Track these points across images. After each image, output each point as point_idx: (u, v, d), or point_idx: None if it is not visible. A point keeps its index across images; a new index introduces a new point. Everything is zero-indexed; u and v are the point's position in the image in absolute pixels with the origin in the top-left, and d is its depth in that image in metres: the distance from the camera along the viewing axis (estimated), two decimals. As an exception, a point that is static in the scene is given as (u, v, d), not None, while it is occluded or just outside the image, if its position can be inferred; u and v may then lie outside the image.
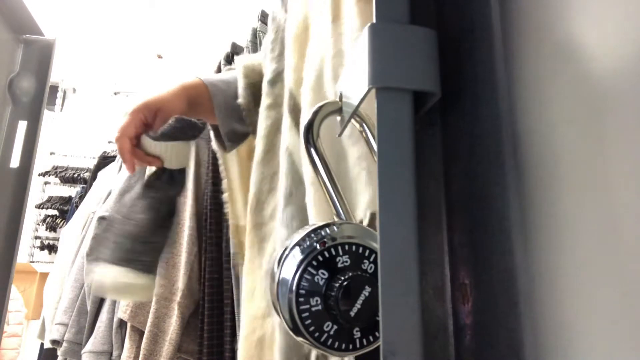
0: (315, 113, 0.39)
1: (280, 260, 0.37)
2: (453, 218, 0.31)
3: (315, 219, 0.51)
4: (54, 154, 4.04)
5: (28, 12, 1.08)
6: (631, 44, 0.21)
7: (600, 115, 0.22)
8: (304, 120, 0.54)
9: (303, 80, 0.60)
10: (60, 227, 3.69)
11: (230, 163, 0.95)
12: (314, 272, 0.34)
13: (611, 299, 0.21)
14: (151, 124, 0.71)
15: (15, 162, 1.06)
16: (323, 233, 0.36)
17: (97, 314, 1.65)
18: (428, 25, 0.30)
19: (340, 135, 0.40)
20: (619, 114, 0.21)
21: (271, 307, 0.60)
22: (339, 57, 0.54)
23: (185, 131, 0.70)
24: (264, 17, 1.35)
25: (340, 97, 0.38)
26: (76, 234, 1.97)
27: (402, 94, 0.28)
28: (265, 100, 0.71)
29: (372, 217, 0.43)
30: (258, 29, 1.35)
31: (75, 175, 3.87)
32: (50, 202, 3.94)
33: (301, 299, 0.34)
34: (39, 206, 3.91)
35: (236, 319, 1.12)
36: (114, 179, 1.94)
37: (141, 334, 1.37)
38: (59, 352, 1.73)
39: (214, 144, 0.85)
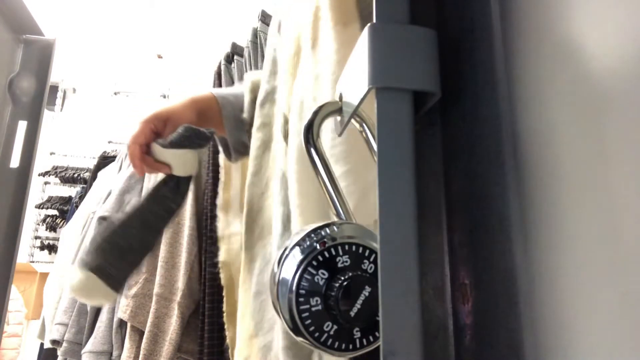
0: (315, 113, 0.39)
1: (280, 260, 0.37)
2: (453, 218, 0.31)
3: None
4: (54, 154, 4.04)
5: (28, 12, 1.08)
6: (631, 44, 0.21)
7: (600, 115, 0.22)
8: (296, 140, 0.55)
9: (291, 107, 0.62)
10: (60, 227, 3.69)
11: (234, 174, 0.97)
12: (314, 272, 0.34)
13: (611, 299, 0.21)
14: (161, 132, 0.74)
15: (15, 162, 1.06)
16: (323, 233, 0.36)
17: (97, 314, 1.65)
18: (428, 25, 0.30)
19: (340, 135, 0.40)
20: (619, 114, 0.21)
21: (258, 327, 0.62)
22: (317, 84, 0.55)
23: (193, 140, 0.72)
24: (264, 17, 1.35)
25: (340, 97, 0.38)
26: (76, 234, 1.97)
27: (402, 94, 0.28)
28: (256, 121, 0.73)
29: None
30: (258, 29, 1.35)
31: (75, 175, 3.87)
32: (50, 202, 3.94)
33: (301, 299, 0.34)
34: (39, 206, 3.91)
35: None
36: (114, 179, 1.94)
37: (141, 334, 1.37)
38: (59, 352, 1.73)
39: (222, 154, 0.87)
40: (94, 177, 2.37)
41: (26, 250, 3.92)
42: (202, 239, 1.36)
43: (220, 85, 1.47)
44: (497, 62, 0.28)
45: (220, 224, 0.90)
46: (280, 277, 0.36)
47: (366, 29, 0.29)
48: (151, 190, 0.73)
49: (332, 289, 0.34)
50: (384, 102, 0.28)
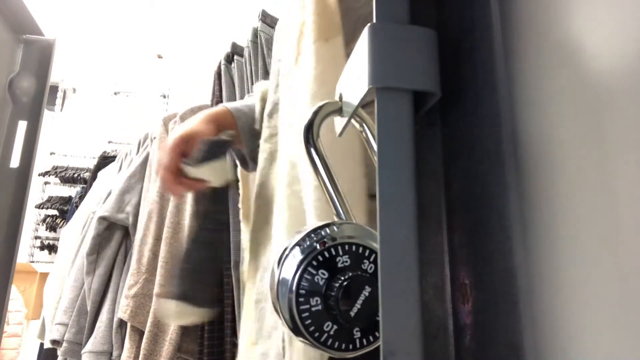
0: (315, 113, 0.39)
1: (280, 260, 0.37)
2: (453, 218, 0.31)
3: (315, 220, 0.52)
4: (54, 154, 4.04)
5: (28, 12, 1.08)
6: (631, 44, 0.21)
7: (600, 115, 0.22)
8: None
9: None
10: (60, 227, 3.69)
11: (252, 185, 0.99)
12: (314, 272, 0.34)
13: (611, 298, 0.21)
14: (187, 153, 0.76)
15: (15, 162, 1.06)
16: (323, 233, 0.36)
17: (97, 314, 1.65)
18: (428, 25, 0.30)
19: (340, 135, 0.40)
20: (619, 113, 0.21)
21: (258, 334, 0.63)
22: (296, 99, 0.56)
23: (214, 150, 0.75)
24: (264, 17, 1.35)
25: (340, 97, 0.38)
26: (76, 234, 1.97)
27: (402, 94, 0.28)
28: (264, 133, 0.75)
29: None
30: (259, 29, 1.35)
31: (75, 175, 3.86)
32: (50, 202, 3.94)
33: (301, 299, 0.34)
34: (39, 206, 3.91)
35: (237, 319, 1.12)
36: (114, 179, 1.94)
37: (141, 334, 1.37)
38: (59, 352, 1.73)
39: (239, 165, 0.88)
40: (94, 177, 2.37)
41: (26, 250, 3.92)
42: (202, 239, 1.35)
43: (220, 85, 1.47)
44: (497, 62, 0.28)
45: (244, 234, 0.91)
46: (280, 277, 0.36)
47: (366, 29, 0.29)
48: (195, 211, 0.78)
49: (332, 289, 0.34)
50: (384, 102, 0.28)
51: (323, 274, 0.34)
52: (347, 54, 0.42)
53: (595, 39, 0.23)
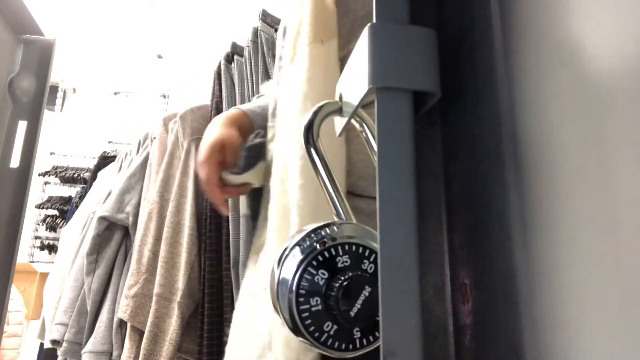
0: (315, 113, 0.39)
1: (281, 260, 0.37)
2: (453, 218, 0.31)
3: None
4: (54, 154, 4.04)
5: (28, 12, 1.08)
6: (631, 44, 0.21)
7: (600, 114, 0.22)
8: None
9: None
10: (60, 227, 3.69)
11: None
12: (314, 272, 0.34)
13: (611, 298, 0.21)
14: (222, 161, 0.76)
15: (15, 162, 1.06)
16: (323, 233, 0.36)
17: (97, 314, 1.65)
18: (428, 25, 0.30)
19: (340, 135, 0.40)
20: (619, 113, 0.21)
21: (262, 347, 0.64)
22: (290, 99, 0.57)
23: (259, 153, 0.76)
24: (265, 17, 1.35)
25: (340, 97, 0.38)
26: (76, 234, 1.96)
27: (402, 94, 0.28)
28: (268, 133, 0.75)
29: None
30: (259, 29, 1.35)
31: (75, 175, 3.87)
32: (50, 202, 3.94)
33: (301, 299, 0.34)
34: (39, 206, 3.91)
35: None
36: (114, 179, 1.94)
37: (141, 334, 1.37)
38: (59, 352, 1.73)
39: None
40: (94, 177, 2.37)
41: (26, 250, 3.92)
42: (202, 239, 1.36)
43: (220, 85, 1.47)
44: (497, 62, 0.28)
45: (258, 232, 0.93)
46: (280, 277, 0.36)
47: (366, 29, 0.29)
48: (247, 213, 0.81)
49: (332, 289, 0.34)
50: (384, 102, 0.28)
51: (323, 274, 0.34)
52: (345, 56, 0.42)
53: (595, 39, 0.23)
